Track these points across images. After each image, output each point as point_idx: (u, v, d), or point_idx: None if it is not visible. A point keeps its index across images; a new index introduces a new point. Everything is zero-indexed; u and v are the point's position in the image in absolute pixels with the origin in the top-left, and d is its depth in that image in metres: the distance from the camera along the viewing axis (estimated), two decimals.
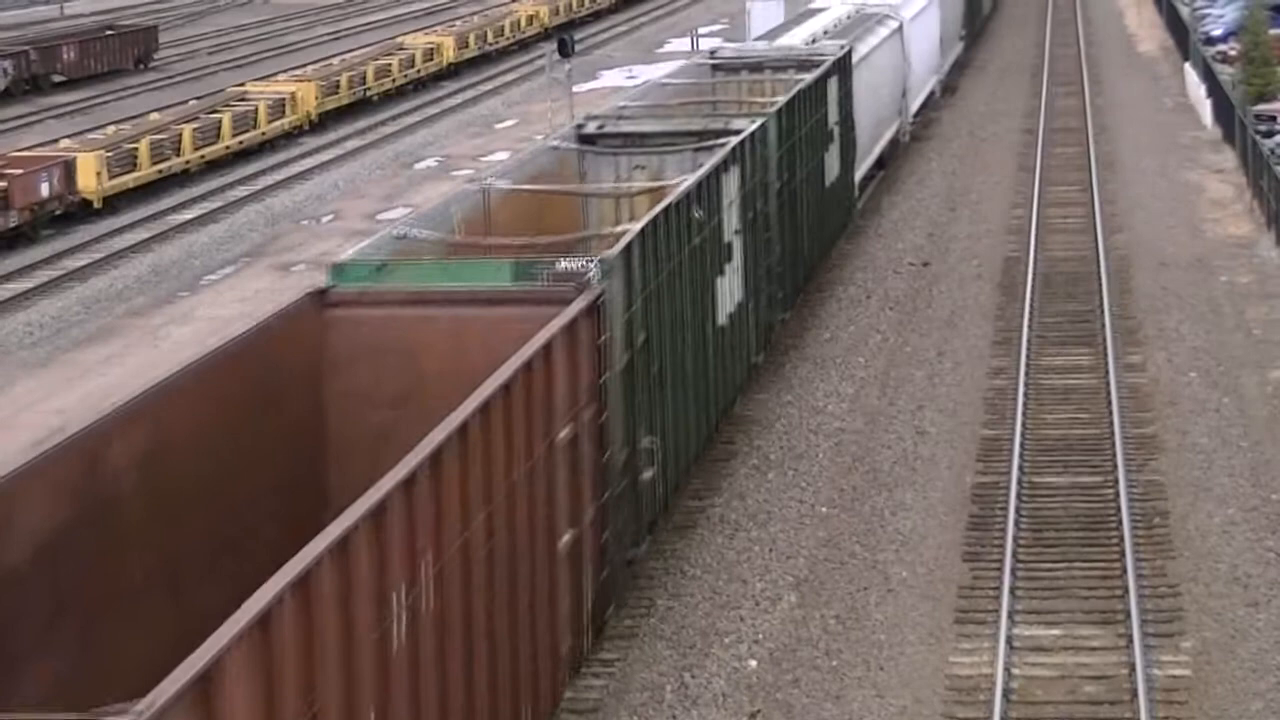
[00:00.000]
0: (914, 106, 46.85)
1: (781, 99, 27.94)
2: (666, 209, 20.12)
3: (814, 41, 37.45)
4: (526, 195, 23.61)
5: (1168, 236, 35.67)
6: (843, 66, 33.39)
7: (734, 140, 24.22)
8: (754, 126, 25.32)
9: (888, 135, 42.26)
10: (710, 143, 24.84)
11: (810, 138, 29.54)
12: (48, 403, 28.33)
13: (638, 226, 19.08)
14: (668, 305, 20.10)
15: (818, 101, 30.37)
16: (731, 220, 23.55)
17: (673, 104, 30.25)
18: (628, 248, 18.39)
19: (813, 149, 29.90)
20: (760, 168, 25.43)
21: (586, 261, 17.60)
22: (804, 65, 32.29)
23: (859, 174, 36.83)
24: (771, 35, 40.48)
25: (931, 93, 51.34)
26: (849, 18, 43.43)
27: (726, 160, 23.23)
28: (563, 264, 17.68)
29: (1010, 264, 34.05)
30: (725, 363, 23.41)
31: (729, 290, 23.50)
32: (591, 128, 26.92)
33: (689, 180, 21.67)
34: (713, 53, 35.72)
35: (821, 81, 30.72)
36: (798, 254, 28.86)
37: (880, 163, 41.63)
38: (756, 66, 33.93)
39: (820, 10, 45.74)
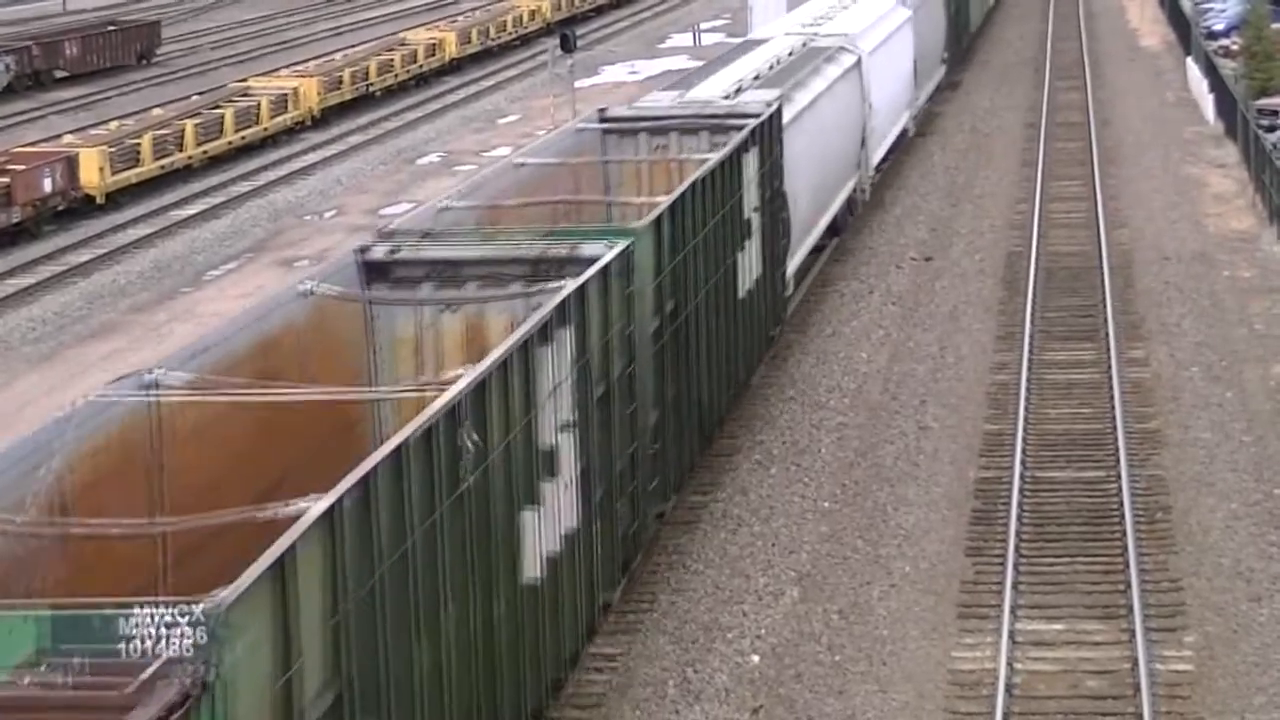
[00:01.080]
0: (877, 156, 38.17)
1: (664, 201, 20.20)
2: (399, 450, 12.21)
3: (739, 92, 29.40)
4: (228, 404, 14.55)
5: (1170, 231, 35.67)
6: (769, 130, 25.70)
7: (564, 291, 16.03)
8: (609, 256, 17.43)
9: (840, 198, 33.95)
10: (540, 286, 17.29)
11: (715, 240, 22.16)
12: (51, 398, 28.34)
13: (318, 510, 11.11)
14: (395, 624, 12.16)
15: (729, 186, 23.00)
16: (556, 413, 15.54)
17: (511, 205, 21.58)
18: (280, 566, 10.46)
19: (719, 254, 22.46)
20: (620, 313, 17.77)
21: (178, 615, 9.45)
22: (721, 127, 25.54)
23: (795, 262, 29.03)
24: (688, 83, 31.23)
25: (904, 131, 43.29)
26: (792, 54, 34.45)
27: (548, 325, 15.27)
28: (133, 622, 9.40)
29: (1013, 258, 34.06)
30: (532, 649, 15.18)
31: (539, 541, 15.15)
32: (381, 253, 18.20)
33: (458, 385, 13.40)
34: (603, 112, 27.13)
35: (734, 158, 23.42)
36: (690, 411, 21.10)
37: (834, 229, 34.14)
38: (660, 129, 26.18)
39: (760, 42, 37.12)
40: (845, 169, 34.65)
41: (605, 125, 26.57)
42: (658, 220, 19.42)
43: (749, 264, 24.53)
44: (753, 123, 24.98)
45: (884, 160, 39.96)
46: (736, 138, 23.96)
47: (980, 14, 66.46)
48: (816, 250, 32.66)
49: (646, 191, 24.62)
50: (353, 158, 49.13)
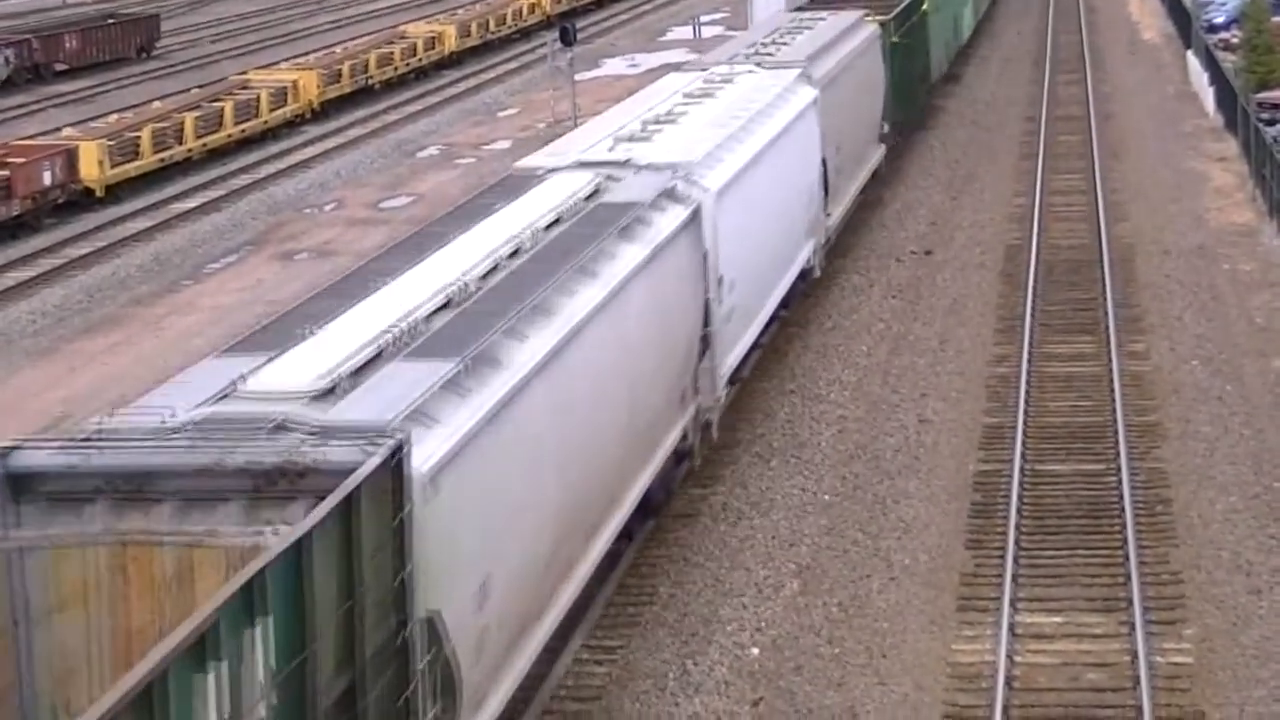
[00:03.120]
0: (733, 359, 23.00)
1: None
2: None
3: (371, 364, 14.27)
4: None
5: (1170, 224, 35.65)
6: (356, 534, 11.66)
7: None
8: None
9: (635, 491, 18.75)
10: None
11: None
12: (52, 391, 28.39)
13: None
14: None
15: None
16: None
17: None
18: None
19: None
20: None
21: None
22: (272, 492, 12.06)
23: None
24: (223, 390, 13.57)
25: (805, 272, 28.46)
26: (559, 221, 19.27)
27: None
28: None
29: (1013, 252, 34.05)
30: None
31: None
32: None
33: None
34: (5, 459, 12.09)
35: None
36: None
37: (627, 534, 19.46)
38: (137, 495, 12.12)
39: (528, 182, 21.38)
40: (653, 427, 19.43)
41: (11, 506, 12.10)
42: None
43: None
44: (267, 555, 10.72)
45: (764, 333, 25.86)
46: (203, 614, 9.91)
47: (947, 54, 52.15)
48: (581, 605, 17.87)
49: None
50: (352, 151, 49.11)
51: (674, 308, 20.29)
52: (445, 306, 16.01)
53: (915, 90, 44.20)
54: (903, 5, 41.98)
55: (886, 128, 38.27)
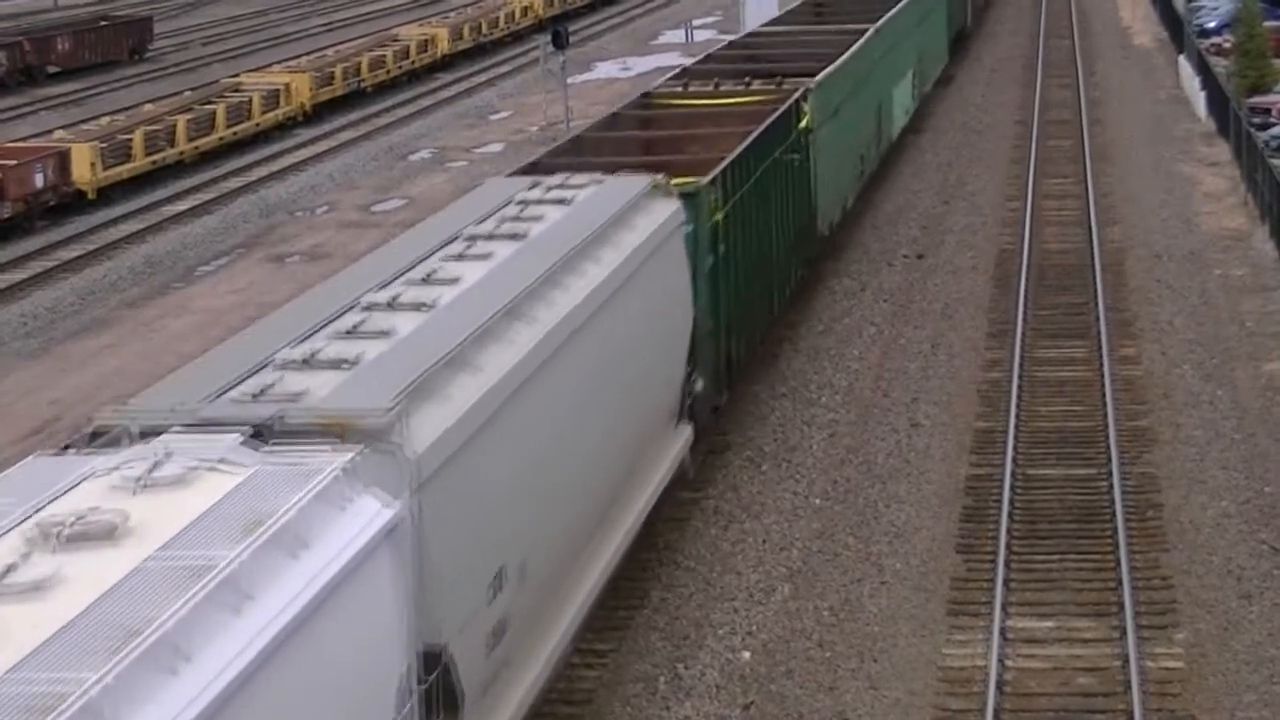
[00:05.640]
0: None
1: None
2: None
3: None
4: None
5: (1162, 229, 35.68)
6: None
7: None
8: None
9: None
10: None
11: None
12: (42, 394, 28.37)
13: None
14: None
15: None
16: None
17: None
18: None
19: None
20: None
21: None
22: None
23: None
24: None
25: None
26: None
27: None
28: None
29: (1005, 256, 34.05)
30: None
31: None
32: None
33: None
34: None
35: None
36: None
37: None
38: None
39: None
40: None
41: None
42: None
43: None
44: None
45: None
46: None
47: (857, 171, 35.76)
48: None
49: None
50: (344, 154, 49.10)
51: None
52: None
53: (782, 272, 27.73)
54: (744, 144, 24.71)
55: (700, 384, 21.47)
